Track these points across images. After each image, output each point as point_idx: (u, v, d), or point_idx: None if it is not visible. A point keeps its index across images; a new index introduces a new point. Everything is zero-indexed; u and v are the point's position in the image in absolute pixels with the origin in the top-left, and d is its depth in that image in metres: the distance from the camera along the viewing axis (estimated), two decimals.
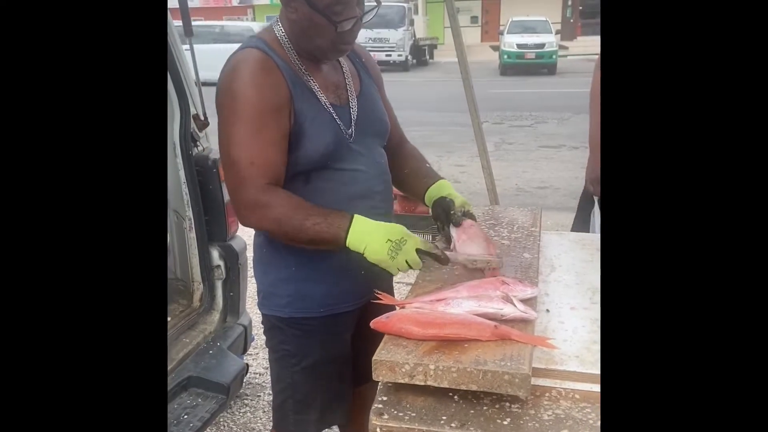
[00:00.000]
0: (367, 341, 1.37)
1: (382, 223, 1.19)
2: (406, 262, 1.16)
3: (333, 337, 1.38)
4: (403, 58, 17.06)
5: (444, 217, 1.33)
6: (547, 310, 1.15)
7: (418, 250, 1.17)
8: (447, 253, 1.22)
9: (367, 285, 1.27)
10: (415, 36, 18.71)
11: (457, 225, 1.30)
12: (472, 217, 1.33)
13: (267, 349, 1.45)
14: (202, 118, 2.09)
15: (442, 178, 1.43)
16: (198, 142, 2.08)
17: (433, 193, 1.39)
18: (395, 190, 1.45)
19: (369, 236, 1.16)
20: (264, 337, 1.45)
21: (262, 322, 1.43)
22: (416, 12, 21.69)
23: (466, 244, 1.25)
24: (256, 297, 1.42)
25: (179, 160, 2.02)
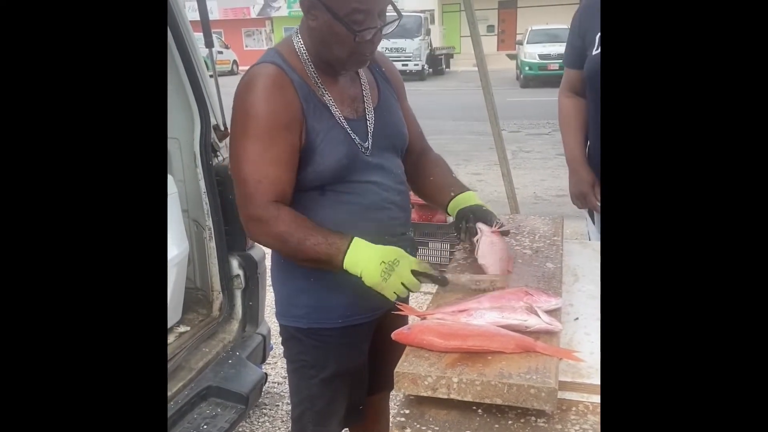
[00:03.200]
0: (382, 351, 1.36)
1: (382, 246, 1.17)
2: (402, 284, 1.14)
3: (351, 347, 1.37)
4: (419, 68, 17.12)
5: (465, 226, 1.31)
6: (576, 318, 1.13)
7: (414, 272, 1.15)
8: (447, 275, 1.20)
9: (384, 296, 1.26)
10: (431, 45, 18.78)
11: (473, 234, 1.28)
12: (497, 225, 1.30)
13: (285, 359, 1.45)
14: (222, 128, 2.10)
15: (468, 189, 1.40)
16: (218, 152, 2.09)
17: (460, 201, 1.37)
18: (412, 198, 1.43)
19: (364, 259, 1.15)
20: (282, 347, 1.45)
21: (280, 333, 1.42)
22: (432, 21, 21.79)
23: (484, 256, 1.24)
24: (274, 307, 1.42)
25: (199, 169, 2.04)
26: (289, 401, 2.38)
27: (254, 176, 1.18)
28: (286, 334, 1.39)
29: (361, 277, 1.15)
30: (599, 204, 1.92)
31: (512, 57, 17.58)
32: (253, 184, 1.18)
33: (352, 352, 1.37)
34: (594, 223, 2.04)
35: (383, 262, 1.14)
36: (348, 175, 1.24)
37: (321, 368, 1.35)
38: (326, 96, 1.24)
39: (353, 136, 1.25)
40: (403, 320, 1.13)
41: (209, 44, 2.08)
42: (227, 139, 2.11)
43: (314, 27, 1.20)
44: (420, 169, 1.44)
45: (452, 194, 1.39)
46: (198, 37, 2.07)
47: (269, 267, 1.45)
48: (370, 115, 1.29)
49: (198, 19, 2.07)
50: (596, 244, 1.61)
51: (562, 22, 17.32)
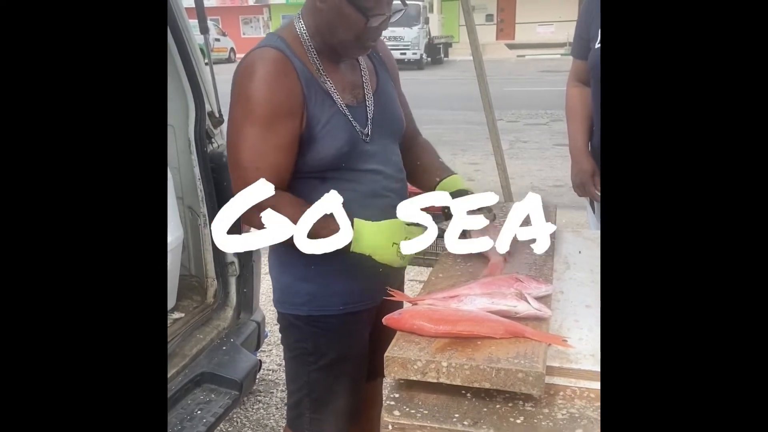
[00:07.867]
0: (381, 338, 1.37)
1: (382, 224, 1.19)
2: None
3: (351, 335, 1.37)
4: (417, 57, 17.05)
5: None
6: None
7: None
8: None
9: (384, 282, 1.26)
10: (430, 34, 18.69)
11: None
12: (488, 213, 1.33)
13: (281, 346, 1.45)
14: (217, 115, 2.09)
15: (454, 173, 1.42)
16: (213, 139, 2.09)
17: (447, 185, 1.38)
18: (410, 188, 1.44)
19: (374, 242, 1.17)
20: (277, 334, 1.45)
21: (278, 320, 1.42)
22: (431, 10, 21.62)
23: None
24: (271, 294, 1.42)
25: (194, 156, 2.04)
26: (283, 389, 2.40)
27: (253, 163, 1.16)
28: (285, 321, 1.38)
29: (371, 256, 1.18)
30: (598, 193, 1.93)
31: (511, 47, 17.48)
32: (252, 171, 1.16)
33: (352, 339, 1.37)
34: (594, 212, 2.05)
35: (394, 243, 1.17)
36: (348, 163, 1.24)
37: (321, 355, 1.35)
38: (328, 83, 1.23)
39: (354, 123, 1.25)
40: (400, 306, 1.14)
41: (204, 30, 2.06)
42: (222, 126, 2.11)
43: (321, 8, 1.19)
44: (408, 153, 1.44)
45: (437, 179, 1.40)
46: (193, 23, 2.05)
47: (264, 254, 1.46)
48: (370, 102, 1.29)
49: (193, 5, 2.06)
50: (589, 233, 1.62)
51: (559, 12, 17.15)
